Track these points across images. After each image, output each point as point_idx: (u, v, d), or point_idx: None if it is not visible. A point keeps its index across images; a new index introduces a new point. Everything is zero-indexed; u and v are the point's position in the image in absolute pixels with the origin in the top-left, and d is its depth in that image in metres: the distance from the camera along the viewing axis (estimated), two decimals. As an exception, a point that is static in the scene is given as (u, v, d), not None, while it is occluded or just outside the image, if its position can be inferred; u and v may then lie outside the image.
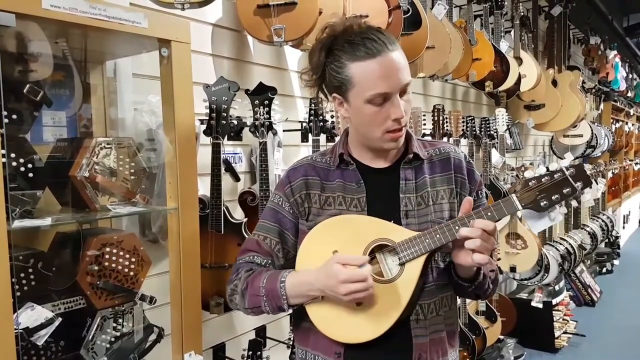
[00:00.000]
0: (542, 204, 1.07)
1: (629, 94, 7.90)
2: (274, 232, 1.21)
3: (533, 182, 1.08)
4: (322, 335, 1.14)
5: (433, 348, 1.14)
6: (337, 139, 1.95)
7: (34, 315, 1.17)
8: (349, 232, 1.13)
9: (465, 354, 3.00)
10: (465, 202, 1.08)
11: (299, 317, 1.22)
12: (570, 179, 1.07)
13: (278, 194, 1.24)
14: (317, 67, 1.13)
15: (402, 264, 1.09)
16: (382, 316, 1.08)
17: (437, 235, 1.07)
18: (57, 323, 1.20)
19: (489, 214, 1.06)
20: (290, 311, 1.20)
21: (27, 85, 1.24)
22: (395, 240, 1.10)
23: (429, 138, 2.67)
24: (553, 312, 4.04)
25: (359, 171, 1.19)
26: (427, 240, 1.08)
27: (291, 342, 2.07)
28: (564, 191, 1.07)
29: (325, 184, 1.20)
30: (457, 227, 1.07)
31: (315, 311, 1.14)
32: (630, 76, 8.10)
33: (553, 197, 1.07)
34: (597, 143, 5.28)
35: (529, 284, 4.11)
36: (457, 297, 1.27)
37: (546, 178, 1.08)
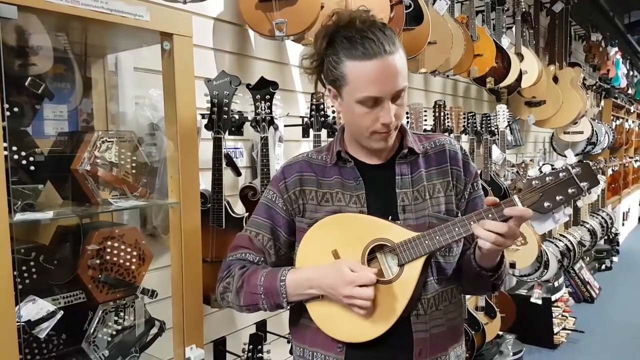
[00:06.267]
0: (545, 204, 1.03)
1: (630, 91, 7.90)
2: (266, 229, 1.20)
3: (536, 182, 1.04)
4: (321, 332, 1.14)
5: (434, 343, 1.14)
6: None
7: (35, 308, 1.18)
8: (348, 231, 1.13)
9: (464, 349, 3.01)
10: (488, 199, 1.07)
11: (296, 315, 1.22)
12: (575, 179, 1.02)
13: (272, 189, 1.23)
14: (318, 55, 1.13)
15: (401, 265, 1.09)
16: (382, 316, 1.08)
17: (437, 237, 1.07)
18: (58, 316, 1.21)
19: (490, 215, 1.04)
20: (289, 307, 1.20)
21: (29, 79, 1.24)
22: (395, 241, 1.09)
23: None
24: (552, 308, 4.05)
25: (356, 168, 1.18)
26: (426, 242, 1.07)
27: (291, 337, 2.08)
28: (569, 191, 1.02)
29: (322, 180, 1.19)
30: (457, 229, 1.06)
31: (317, 310, 1.14)
32: (631, 73, 8.09)
33: (557, 198, 1.03)
34: (597, 140, 5.28)
35: (529, 280, 4.12)
36: (466, 292, 1.26)
37: (550, 178, 1.03)
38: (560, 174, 1.03)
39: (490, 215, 1.04)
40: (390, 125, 1.08)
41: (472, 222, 1.05)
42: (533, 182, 1.04)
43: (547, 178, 1.04)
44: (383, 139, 1.12)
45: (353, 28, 1.06)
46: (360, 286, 1.04)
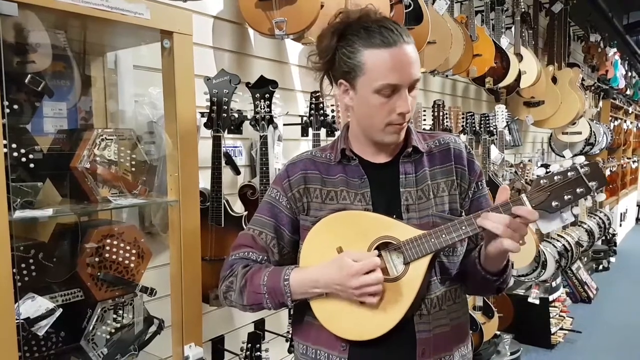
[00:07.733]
0: (553, 204, 1.02)
1: (628, 92, 7.91)
2: (269, 227, 1.19)
3: (545, 181, 1.03)
4: (324, 330, 1.13)
5: (437, 343, 1.13)
6: (337, 133, 1.95)
7: (34, 305, 1.17)
8: (353, 229, 1.12)
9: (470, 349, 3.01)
10: (501, 190, 1.06)
11: (300, 313, 1.21)
12: (584, 178, 1.01)
13: (275, 188, 1.22)
14: (326, 50, 1.11)
15: (406, 263, 1.08)
16: (387, 314, 1.07)
17: (443, 236, 1.06)
18: (57, 314, 1.20)
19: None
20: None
21: (29, 76, 1.23)
22: (400, 239, 1.09)
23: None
24: (549, 308, 4.06)
25: (361, 166, 1.18)
26: (432, 240, 1.06)
27: (290, 336, 2.08)
28: (578, 191, 1.01)
29: (326, 178, 1.18)
30: (463, 227, 1.05)
31: (321, 308, 1.13)
32: (630, 74, 8.10)
33: (565, 197, 1.02)
34: (595, 140, 5.29)
35: (526, 280, 4.12)
36: (470, 293, 1.25)
37: (559, 177, 1.02)
38: (569, 173, 1.02)
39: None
40: (407, 115, 1.09)
41: (478, 220, 1.04)
42: (541, 182, 1.03)
43: (555, 177, 1.03)
44: (396, 131, 1.12)
45: (368, 19, 1.07)
46: (367, 273, 1.04)
